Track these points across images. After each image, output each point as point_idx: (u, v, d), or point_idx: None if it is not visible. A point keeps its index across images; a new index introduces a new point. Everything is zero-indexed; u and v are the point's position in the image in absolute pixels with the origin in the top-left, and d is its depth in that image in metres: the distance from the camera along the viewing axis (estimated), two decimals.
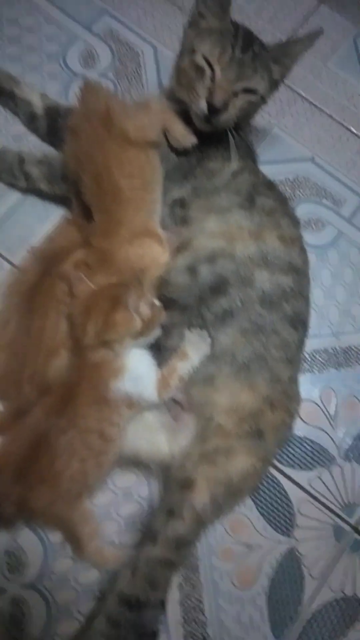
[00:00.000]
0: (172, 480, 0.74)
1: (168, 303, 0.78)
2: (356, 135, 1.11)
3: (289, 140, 1.09)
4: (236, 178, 0.85)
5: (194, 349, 0.75)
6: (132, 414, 0.73)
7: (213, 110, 0.79)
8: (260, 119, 1.08)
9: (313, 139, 1.10)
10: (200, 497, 0.70)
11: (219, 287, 0.77)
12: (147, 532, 0.74)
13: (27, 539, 0.80)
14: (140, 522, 0.82)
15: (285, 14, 1.18)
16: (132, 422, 0.75)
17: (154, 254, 0.79)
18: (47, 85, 1.03)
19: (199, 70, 0.80)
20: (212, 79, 0.80)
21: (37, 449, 0.70)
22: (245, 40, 0.81)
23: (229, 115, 0.81)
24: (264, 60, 0.82)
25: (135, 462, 0.79)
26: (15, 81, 0.97)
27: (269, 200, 0.85)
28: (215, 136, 0.84)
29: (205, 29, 0.83)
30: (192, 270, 0.78)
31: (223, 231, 0.80)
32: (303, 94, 1.12)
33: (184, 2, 1.13)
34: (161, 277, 0.79)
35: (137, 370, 0.73)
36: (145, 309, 0.72)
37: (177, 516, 0.71)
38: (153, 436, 0.77)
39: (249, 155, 0.92)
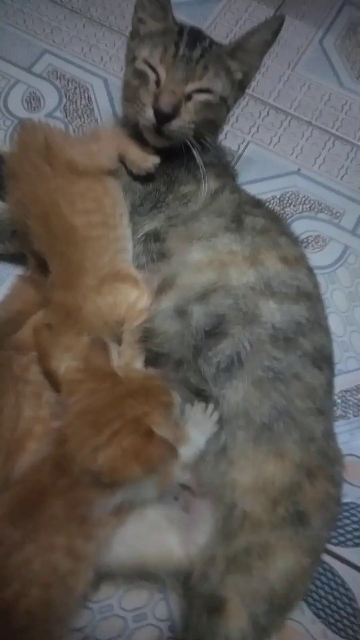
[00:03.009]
0: (196, 597, 0.54)
1: (158, 359, 0.62)
2: (342, 138, 0.98)
3: (269, 155, 0.96)
4: (216, 198, 0.71)
5: (197, 429, 0.58)
6: (119, 522, 0.54)
7: (161, 117, 0.66)
8: (231, 136, 0.96)
9: (295, 150, 0.97)
10: (236, 622, 0.51)
11: (217, 329, 0.61)
12: None
13: None
14: None
15: (242, 27, 1.08)
16: (129, 522, 0.56)
17: (130, 300, 0.64)
18: None
19: (142, 76, 0.69)
20: (157, 82, 0.68)
21: None
22: (191, 37, 0.70)
23: (182, 123, 0.68)
24: (218, 56, 0.71)
25: (143, 575, 0.60)
26: None
27: (259, 219, 0.71)
28: (180, 155, 0.71)
29: (146, 33, 0.73)
30: (181, 312, 0.63)
31: (211, 260, 0.65)
32: (275, 104, 1.01)
33: None
34: (144, 327, 0.63)
35: None
36: None
37: None
38: (160, 537, 0.57)
39: (226, 172, 0.79)
